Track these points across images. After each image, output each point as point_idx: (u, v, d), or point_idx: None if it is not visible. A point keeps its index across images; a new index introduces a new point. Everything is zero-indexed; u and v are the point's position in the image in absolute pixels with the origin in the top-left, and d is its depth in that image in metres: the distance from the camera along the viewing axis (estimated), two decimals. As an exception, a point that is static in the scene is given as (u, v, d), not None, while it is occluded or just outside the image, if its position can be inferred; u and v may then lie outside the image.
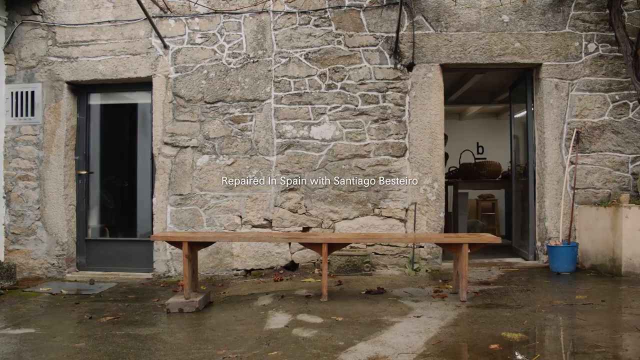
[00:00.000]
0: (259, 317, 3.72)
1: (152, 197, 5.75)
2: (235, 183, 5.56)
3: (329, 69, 5.51)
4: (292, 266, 5.52)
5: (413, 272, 5.24)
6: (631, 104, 5.37)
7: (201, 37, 5.66)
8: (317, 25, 5.54)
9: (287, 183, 5.51)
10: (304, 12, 5.56)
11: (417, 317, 3.61)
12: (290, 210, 5.52)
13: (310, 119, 5.51)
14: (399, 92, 5.47)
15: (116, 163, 6.29)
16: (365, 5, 5.51)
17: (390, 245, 5.42)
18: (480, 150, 9.97)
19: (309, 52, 5.53)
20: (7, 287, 5.17)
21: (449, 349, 2.91)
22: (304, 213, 5.51)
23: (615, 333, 3.14)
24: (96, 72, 5.77)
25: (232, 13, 5.63)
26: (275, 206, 5.53)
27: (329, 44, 5.52)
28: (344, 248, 4.95)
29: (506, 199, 8.39)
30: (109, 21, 5.76)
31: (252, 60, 5.59)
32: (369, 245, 5.43)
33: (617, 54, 5.35)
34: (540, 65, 5.45)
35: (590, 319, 3.43)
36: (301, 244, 4.45)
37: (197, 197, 5.59)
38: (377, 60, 5.49)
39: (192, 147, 5.62)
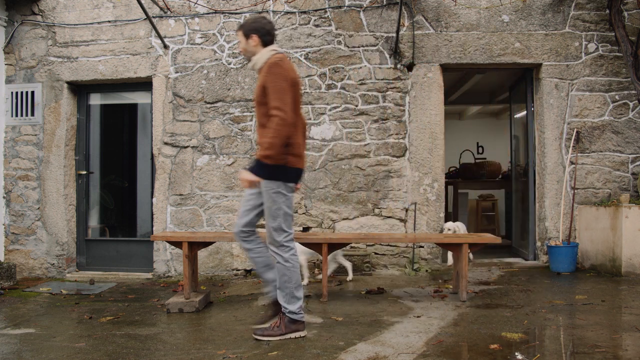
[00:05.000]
0: (259, 317, 3.71)
1: (152, 197, 5.75)
2: (236, 183, 5.56)
3: (329, 69, 5.51)
4: (292, 266, 5.52)
5: (413, 272, 5.24)
6: (631, 104, 5.37)
7: (201, 37, 5.66)
8: (317, 25, 5.54)
9: (287, 183, 5.50)
10: (304, 12, 5.56)
11: (417, 317, 3.61)
12: (290, 210, 5.51)
13: (310, 119, 5.51)
14: (399, 92, 5.47)
15: (116, 163, 6.29)
16: (365, 5, 5.51)
17: (390, 245, 5.42)
18: (480, 150, 9.97)
19: (309, 52, 5.53)
20: (7, 287, 5.17)
21: (449, 349, 2.91)
22: (304, 213, 5.51)
23: (615, 333, 3.14)
24: (96, 72, 5.76)
25: (232, 13, 5.63)
26: (275, 206, 5.52)
27: (329, 44, 5.52)
28: (344, 248, 4.94)
29: (506, 199, 8.38)
30: (109, 21, 5.76)
31: (252, 60, 5.58)
32: (369, 245, 5.43)
33: (617, 54, 5.35)
34: (540, 65, 5.45)
35: (590, 319, 3.43)
36: (301, 244, 4.46)
37: (197, 197, 5.59)
38: (377, 60, 5.49)
39: (192, 147, 5.62)
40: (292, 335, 3.12)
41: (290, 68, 3.05)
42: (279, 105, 2.90)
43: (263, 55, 3.09)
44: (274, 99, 2.92)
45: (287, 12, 5.57)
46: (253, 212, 3.22)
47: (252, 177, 2.97)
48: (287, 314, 3.14)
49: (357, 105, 5.48)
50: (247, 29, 3.13)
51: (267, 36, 3.12)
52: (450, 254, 5.27)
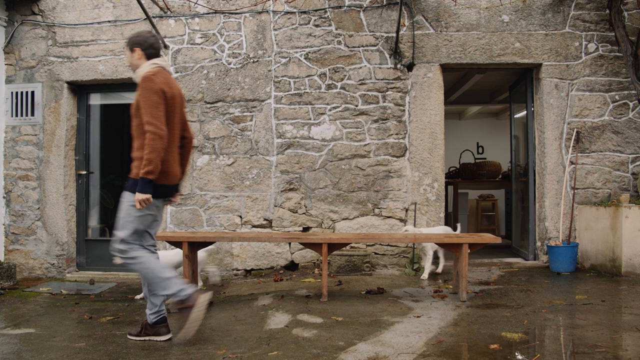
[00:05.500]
0: (259, 317, 3.72)
1: (152, 197, 5.75)
2: (235, 183, 5.56)
3: (329, 69, 5.51)
4: (292, 266, 5.52)
5: (413, 272, 5.24)
6: (631, 104, 5.37)
7: (201, 37, 5.66)
8: (317, 25, 5.54)
9: (287, 183, 5.51)
10: (304, 12, 5.56)
11: (417, 317, 3.61)
12: (290, 210, 5.52)
13: (310, 119, 5.51)
14: (399, 92, 5.47)
15: (116, 163, 6.29)
16: (365, 5, 5.51)
17: (390, 245, 5.42)
18: (480, 150, 9.97)
19: (309, 52, 5.53)
20: (7, 287, 5.17)
21: (449, 349, 2.91)
22: (304, 213, 5.51)
23: (615, 333, 3.14)
24: (96, 72, 5.77)
25: (232, 13, 5.63)
26: (275, 206, 5.53)
27: (329, 44, 5.52)
28: (344, 248, 4.95)
29: (506, 199, 8.39)
30: (109, 21, 5.76)
31: (252, 60, 5.59)
32: (369, 245, 5.43)
33: (617, 54, 5.35)
34: (540, 65, 5.45)
35: (590, 319, 3.43)
36: (301, 244, 4.45)
37: (197, 197, 5.59)
38: (377, 60, 5.49)
39: (192, 147, 5.61)
40: (200, 307, 3.05)
41: (164, 82, 3.07)
42: (150, 119, 2.95)
43: (143, 68, 3.14)
44: (145, 113, 2.97)
45: (287, 12, 5.57)
46: (155, 226, 3.30)
47: (143, 196, 2.96)
48: (179, 299, 3.07)
49: (357, 105, 5.48)
50: (131, 43, 3.20)
51: (149, 49, 3.17)
52: (423, 261, 5.15)
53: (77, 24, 5.80)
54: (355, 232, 5.37)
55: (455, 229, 5.34)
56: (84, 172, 6.00)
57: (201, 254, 4.57)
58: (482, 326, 3.33)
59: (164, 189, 3.15)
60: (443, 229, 5.13)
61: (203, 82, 5.62)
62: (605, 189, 5.36)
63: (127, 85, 5.96)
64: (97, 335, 3.39)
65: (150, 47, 3.18)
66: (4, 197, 5.90)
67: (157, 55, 3.21)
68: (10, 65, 5.90)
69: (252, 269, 5.53)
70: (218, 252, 5.54)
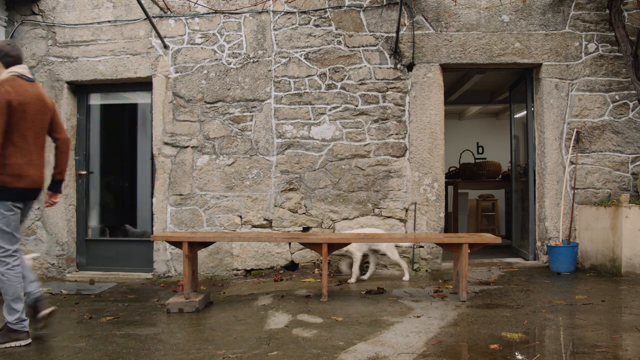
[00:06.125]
0: (259, 317, 3.72)
1: (152, 197, 5.75)
2: (235, 183, 5.56)
3: (329, 69, 5.51)
4: (292, 266, 5.52)
5: (413, 272, 5.24)
6: (631, 104, 5.37)
7: (201, 37, 5.66)
8: (317, 25, 5.54)
9: (287, 183, 5.51)
10: (304, 12, 5.56)
11: (417, 317, 3.61)
12: (290, 210, 5.52)
13: (310, 119, 5.51)
14: (399, 92, 5.47)
15: (116, 163, 6.29)
16: (365, 5, 5.51)
17: (390, 245, 5.41)
18: (480, 150, 9.97)
19: (309, 52, 5.53)
20: (7, 287, 5.16)
21: (449, 349, 2.91)
22: (304, 213, 5.51)
23: (615, 333, 3.14)
24: (96, 72, 5.76)
25: (232, 13, 5.63)
26: (275, 206, 5.53)
27: (329, 44, 5.52)
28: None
29: (506, 199, 8.39)
30: (109, 21, 5.76)
31: (252, 60, 5.59)
32: (369, 245, 5.42)
33: (617, 54, 5.35)
34: (540, 65, 5.45)
35: (590, 319, 3.43)
36: (301, 244, 4.46)
37: (197, 197, 5.59)
38: (377, 60, 5.49)
39: (192, 147, 5.62)
40: (12, 344, 3.13)
41: (11, 90, 3.12)
42: None
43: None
44: None
45: (287, 12, 5.57)
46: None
47: None
48: (7, 324, 3.16)
49: (357, 105, 5.48)
50: None
51: (6, 58, 3.23)
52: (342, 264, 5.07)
53: (77, 24, 5.80)
54: (355, 232, 5.36)
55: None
56: (84, 172, 6.00)
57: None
58: (482, 326, 3.33)
59: (19, 191, 3.29)
60: (368, 230, 5.05)
61: (203, 82, 5.62)
62: (605, 189, 5.36)
63: (127, 85, 5.97)
64: (97, 335, 3.39)
65: (6, 55, 3.24)
66: (4, 197, 5.89)
67: (17, 62, 3.26)
68: (10, 65, 5.89)
69: (252, 269, 5.53)
70: (218, 252, 5.54)
